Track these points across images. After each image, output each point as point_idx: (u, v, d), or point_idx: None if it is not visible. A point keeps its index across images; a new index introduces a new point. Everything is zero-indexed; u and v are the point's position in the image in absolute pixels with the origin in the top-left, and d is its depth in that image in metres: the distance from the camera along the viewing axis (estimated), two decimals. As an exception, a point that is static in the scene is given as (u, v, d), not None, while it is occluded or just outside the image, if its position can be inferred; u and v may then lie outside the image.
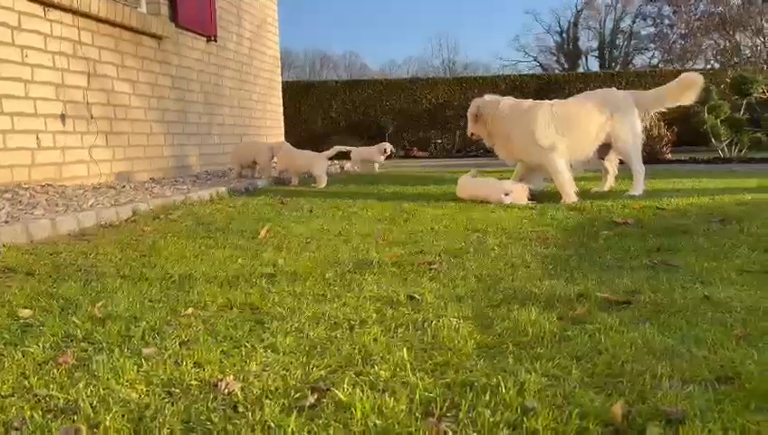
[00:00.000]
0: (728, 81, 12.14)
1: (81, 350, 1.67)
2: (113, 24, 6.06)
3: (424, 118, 17.55)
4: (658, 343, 1.64)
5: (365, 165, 9.46)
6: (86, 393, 1.39)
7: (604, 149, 5.28)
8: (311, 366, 1.54)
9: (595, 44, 39.14)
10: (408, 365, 1.52)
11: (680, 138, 11.62)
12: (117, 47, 6.17)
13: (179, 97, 7.45)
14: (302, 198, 5.30)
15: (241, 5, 9.50)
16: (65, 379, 1.48)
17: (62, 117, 5.38)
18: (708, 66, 18.42)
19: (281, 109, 11.49)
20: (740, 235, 3.26)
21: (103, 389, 1.42)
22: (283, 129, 11.45)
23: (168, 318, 1.93)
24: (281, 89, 11.51)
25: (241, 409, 1.32)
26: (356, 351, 1.63)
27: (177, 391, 1.42)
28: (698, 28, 19.12)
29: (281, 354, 1.62)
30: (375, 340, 1.71)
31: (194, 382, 1.46)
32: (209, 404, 1.34)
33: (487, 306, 2.03)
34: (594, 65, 38.20)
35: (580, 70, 34.88)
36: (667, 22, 25.46)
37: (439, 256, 2.86)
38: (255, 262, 2.75)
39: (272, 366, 1.55)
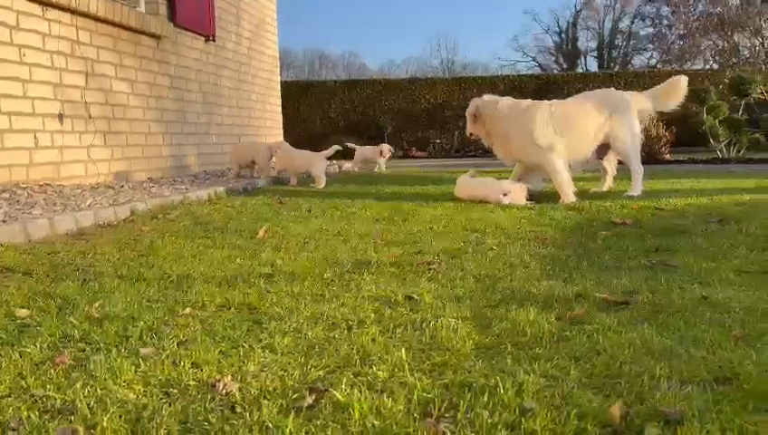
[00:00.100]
0: (727, 81, 12.18)
1: (78, 350, 1.67)
2: (112, 24, 6.05)
3: (423, 118, 17.57)
4: (657, 344, 1.64)
5: (366, 165, 9.47)
6: (83, 394, 1.39)
7: (603, 149, 5.29)
8: (309, 366, 1.53)
9: (594, 45, 39.30)
10: (407, 366, 1.52)
11: (679, 138, 11.64)
12: (115, 47, 6.17)
13: (178, 97, 7.44)
14: (301, 198, 5.29)
15: (240, 5, 9.49)
16: (62, 379, 1.47)
17: (60, 116, 5.37)
18: (707, 67, 18.46)
19: (279, 108, 11.48)
20: (738, 235, 3.26)
21: (100, 389, 1.41)
22: (281, 128, 11.45)
23: (166, 318, 1.93)
24: (279, 89, 11.50)
25: (239, 409, 1.32)
26: (354, 351, 1.63)
27: (175, 391, 1.41)
28: (697, 29, 19.17)
29: (279, 355, 1.62)
30: (373, 340, 1.71)
31: (192, 383, 1.45)
32: (207, 405, 1.34)
33: (486, 307, 2.03)
34: (593, 65, 38.35)
35: (579, 70, 34.98)
36: (665, 22, 25.55)
37: (438, 256, 2.86)
38: (254, 262, 2.75)
39: (270, 366, 1.54)
